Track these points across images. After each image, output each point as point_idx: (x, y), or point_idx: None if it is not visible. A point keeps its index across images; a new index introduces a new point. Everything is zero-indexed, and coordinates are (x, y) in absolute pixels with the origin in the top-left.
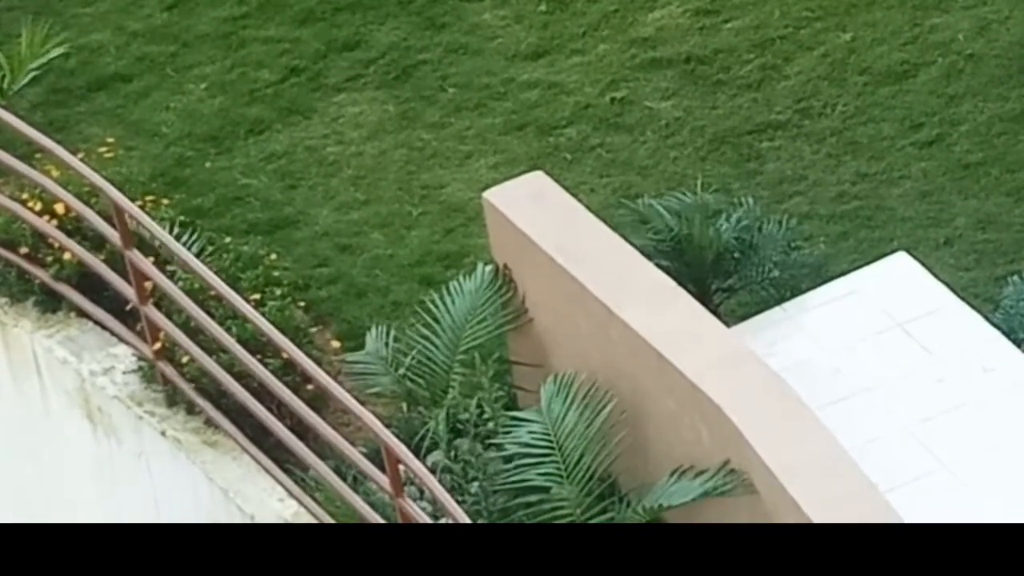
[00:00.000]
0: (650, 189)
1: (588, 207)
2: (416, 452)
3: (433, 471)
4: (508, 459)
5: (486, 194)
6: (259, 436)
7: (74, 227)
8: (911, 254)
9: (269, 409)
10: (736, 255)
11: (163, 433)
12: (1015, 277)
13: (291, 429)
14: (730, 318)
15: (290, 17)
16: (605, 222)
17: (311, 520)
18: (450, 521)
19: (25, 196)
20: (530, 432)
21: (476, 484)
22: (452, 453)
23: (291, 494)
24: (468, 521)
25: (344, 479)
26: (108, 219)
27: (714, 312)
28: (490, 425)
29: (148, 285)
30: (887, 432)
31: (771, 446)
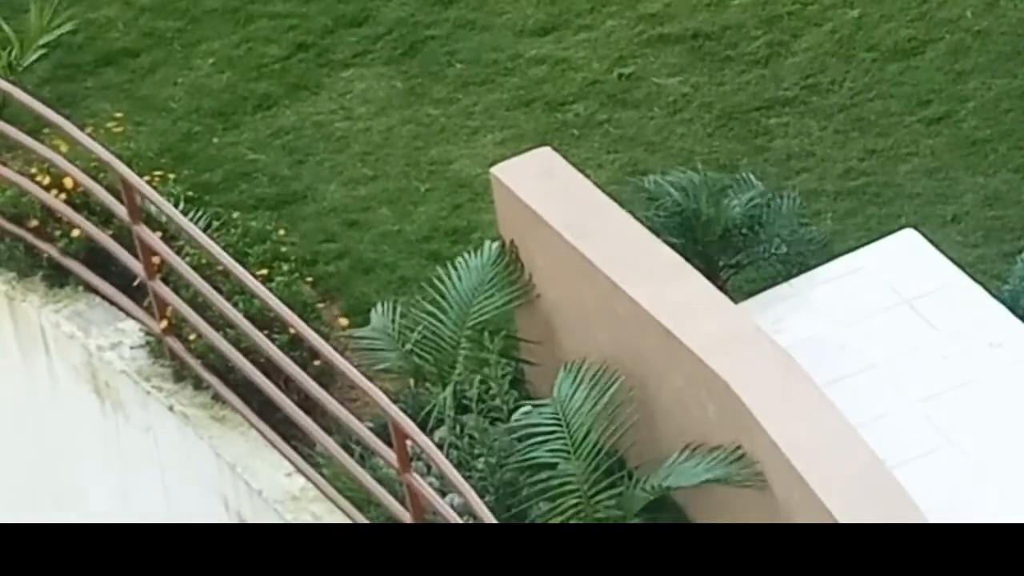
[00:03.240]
0: (658, 165)
1: (596, 183)
2: (423, 428)
3: (440, 447)
4: (515, 434)
5: (494, 170)
6: (266, 411)
7: (82, 202)
8: (919, 230)
9: (276, 384)
10: (744, 231)
11: (170, 408)
12: (1023, 254)
13: (298, 404)
14: (737, 294)
15: None
16: (613, 198)
17: (319, 495)
18: (457, 496)
19: (33, 171)
20: (539, 412)
21: (482, 460)
22: (458, 429)
23: (298, 469)
24: (475, 496)
25: (351, 454)
26: (116, 194)
27: (721, 288)
28: (496, 401)
29: (156, 260)
30: (894, 408)
31: (778, 422)
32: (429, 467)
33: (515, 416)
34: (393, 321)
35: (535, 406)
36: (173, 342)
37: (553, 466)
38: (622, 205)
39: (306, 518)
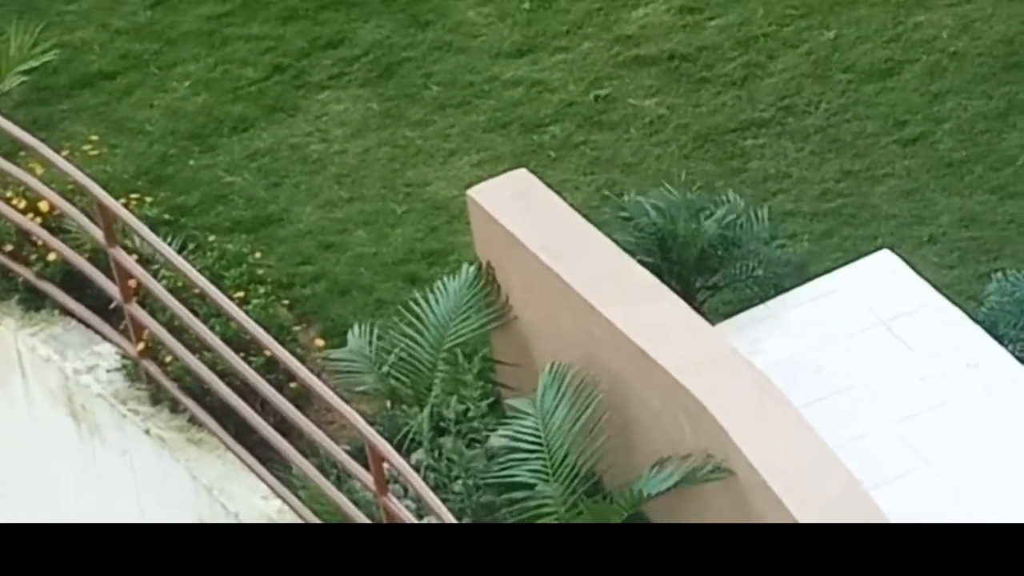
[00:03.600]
0: (634, 186)
1: (572, 205)
2: (400, 450)
3: (417, 469)
4: (492, 456)
5: (470, 192)
6: (243, 434)
7: (58, 225)
8: (895, 252)
9: (253, 407)
10: (720, 252)
11: (147, 431)
12: (998, 274)
13: (275, 427)
14: (714, 316)
15: (274, 15)
16: (589, 220)
17: (295, 518)
18: (435, 520)
19: (9, 194)
20: (520, 426)
21: (460, 482)
22: (435, 451)
23: (275, 492)
24: (452, 519)
25: (328, 477)
26: (92, 217)
27: (698, 310)
28: (474, 423)
29: (132, 283)
30: (870, 430)
31: (755, 444)
32: (406, 489)
33: (495, 434)
34: (370, 343)
35: (518, 411)
36: (149, 365)
37: (531, 487)
38: (598, 227)
39: None
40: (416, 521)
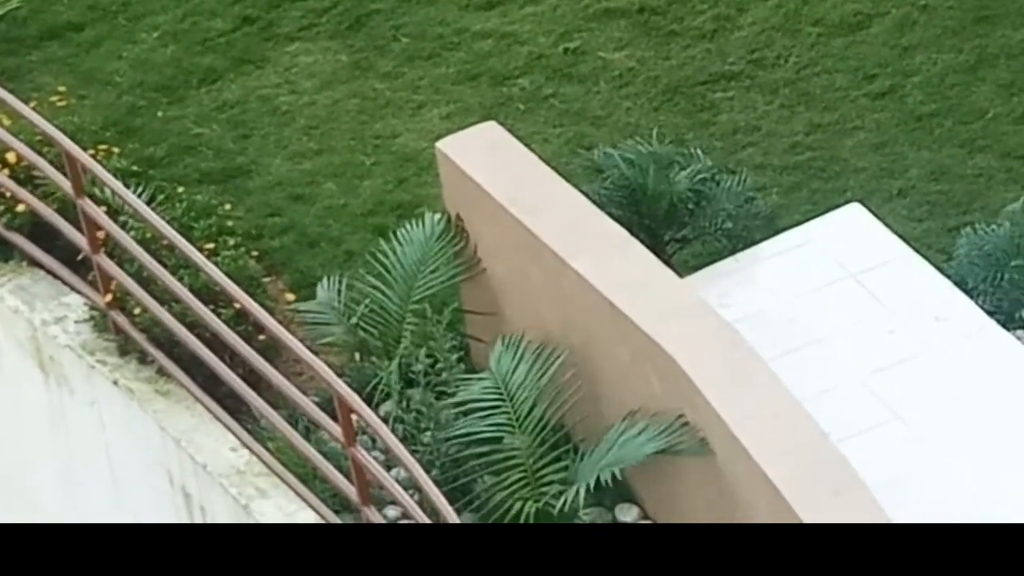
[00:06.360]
0: (603, 139)
1: (541, 157)
2: (369, 402)
3: (385, 421)
4: (460, 410)
5: (439, 144)
6: (211, 386)
7: (26, 176)
8: (864, 205)
9: (222, 359)
10: (689, 206)
11: (115, 382)
12: (968, 228)
13: (243, 378)
14: (683, 269)
15: None
16: (558, 172)
17: (263, 469)
18: (402, 470)
19: None
20: (482, 387)
21: (428, 434)
22: (404, 403)
23: (243, 443)
24: (420, 470)
25: (297, 428)
26: (60, 168)
27: (667, 262)
28: (443, 375)
29: (100, 234)
30: (840, 382)
31: (723, 396)
32: (374, 441)
33: (460, 392)
34: (339, 295)
35: (472, 379)
36: (118, 316)
37: (498, 440)
38: (568, 179)
39: (251, 492)
40: (384, 472)
